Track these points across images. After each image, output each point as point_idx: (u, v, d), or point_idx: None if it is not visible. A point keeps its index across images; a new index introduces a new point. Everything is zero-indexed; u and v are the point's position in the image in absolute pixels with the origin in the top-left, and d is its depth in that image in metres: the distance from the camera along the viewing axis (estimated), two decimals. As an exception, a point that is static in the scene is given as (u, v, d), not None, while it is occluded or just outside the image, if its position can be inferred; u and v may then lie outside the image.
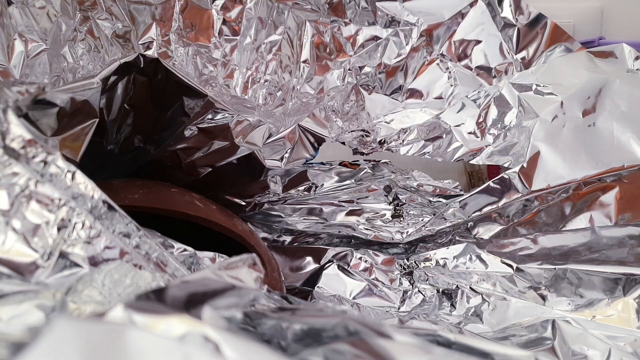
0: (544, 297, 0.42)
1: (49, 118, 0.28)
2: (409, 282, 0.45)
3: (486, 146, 0.45)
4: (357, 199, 0.48)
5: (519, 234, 0.45)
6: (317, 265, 0.46)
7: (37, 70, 0.43)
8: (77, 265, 0.24)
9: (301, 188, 0.48)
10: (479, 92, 0.46)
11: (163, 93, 0.38)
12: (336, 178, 0.49)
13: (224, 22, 0.46)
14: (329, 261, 0.46)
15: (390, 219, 0.47)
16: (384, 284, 0.45)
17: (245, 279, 0.23)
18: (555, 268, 0.41)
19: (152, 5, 0.45)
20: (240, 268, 0.24)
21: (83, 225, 0.24)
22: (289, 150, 0.44)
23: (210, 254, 0.33)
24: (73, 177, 0.25)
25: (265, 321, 0.20)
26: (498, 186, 0.43)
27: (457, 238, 0.46)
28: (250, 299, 0.22)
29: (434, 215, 0.46)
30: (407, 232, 0.46)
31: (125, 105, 0.37)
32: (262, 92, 0.47)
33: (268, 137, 0.43)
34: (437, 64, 0.47)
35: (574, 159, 0.42)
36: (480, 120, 0.45)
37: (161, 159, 0.42)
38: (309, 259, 0.47)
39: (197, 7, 0.46)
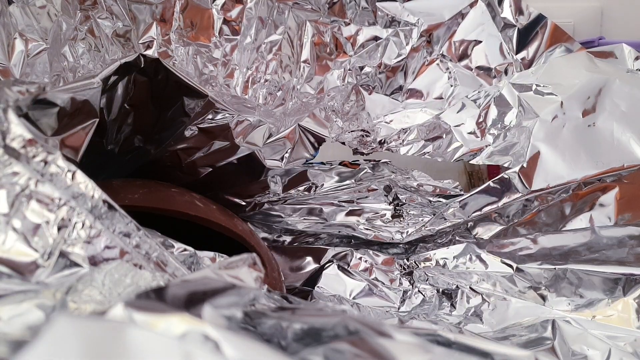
0: (544, 297, 0.42)
1: (49, 118, 0.28)
2: (409, 282, 0.45)
3: (486, 146, 0.45)
4: (357, 199, 0.48)
5: (519, 234, 0.45)
6: (317, 265, 0.46)
7: (37, 69, 0.43)
8: (77, 264, 0.24)
9: (301, 188, 0.48)
10: (479, 92, 0.46)
11: (163, 93, 0.38)
12: (336, 178, 0.49)
13: (225, 21, 0.46)
14: (329, 261, 0.46)
15: (390, 219, 0.47)
16: (384, 284, 0.45)
17: (246, 278, 0.23)
18: (555, 268, 0.41)
19: (152, 4, 0.45)
20: (240, 268, 0.24)
21: (83, 225, 0.24)
22: (289, 150, 0.44)
23: (210, 253, 0.33)
24: (73, 177, 0.25)
25: (265, 320, 0.20)
26: (498, 186, 0.43)
27: (457, 238, 0.46)
28: (250, 298, 0.22)
29: (434, 215, 0.46)
30: (407, 232, 0.46)
31: (126, 105, 0.37)
32: (262, 91, 0.47)
33: (268, 137, 0.43)
34: (437, 64, 0.47)
35: (574, 159, 0.42)
36: (480, 120, 0.45)
37: (161, 159, 0.42)
38: (309, 259, 0.47)
39: (197, 6, 0.46)
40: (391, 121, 0.47)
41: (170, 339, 0.15)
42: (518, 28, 0.45)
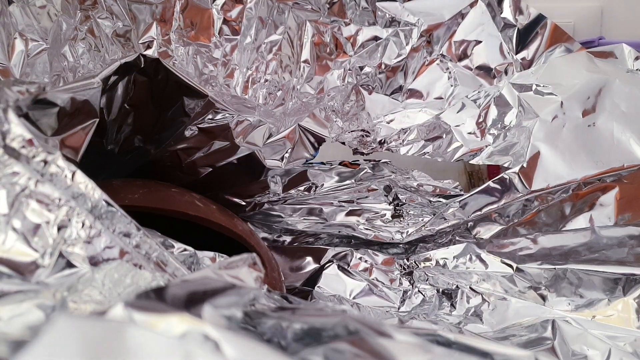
0: (544, 297, 0.42)
1: (49, 118, 0.28)
2: (409, 282, 0.45)
3: (486, 146, 0.45)
4: (357, 199, 0.48)
5: (519, 234, 0.45)
6: (317, 265, 0.46)
7: (37, 69, 0.43)
8: (77, 264, 0.24)
9: (301, 188, 0.48)
10: (479, 92, 0.46)
11: (163, 93, 0.38)
12: (336, 178, 0.49)
13: (225, 21, 0.46)
14: (329, 261, 0.46)
15: (390, 219, 0.47)
16: (384, 284, 0.45)
17: (246, 278, 0.23)
18: (555, 268, 0.41)
19: (152, 4, 0.45)
20: (240, 267, 0.24)
21: (83, 225, 0.24)
22: (289, 150, 0.44)
23: (210, 253, 0.33)
24: (73, 177, 0.25)
25: (265, 320, 0.20)
26: (498, 186, 0.43)
27: (457, 238, 0.46)
28: (250, 298, 0.22)
29: (434, 215, 0.46)
30: (407, 232, 0.46)
31: (126, 105, 0.37)
32: (262, 91, 0.47)
33: (268, 137, 0.43)
34: (437, 64, 0.47)
35: (574, 159, 0.42)
36: (480, 120, 0.45)
37: (161, 159, 0.42)
38: (309, 259, 0.47)
39: (197, 6, 0.46)
40: (391, 121, 0.47)
41: (170, 339, 0.15)
42: (518, 28, 0.45)
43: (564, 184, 0.42)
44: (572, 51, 0.45)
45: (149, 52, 0.45)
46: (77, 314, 0.21)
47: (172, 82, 0.38)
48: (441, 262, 0.45)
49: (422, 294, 0.44)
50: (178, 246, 0.32)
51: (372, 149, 0.47)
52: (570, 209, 0.43)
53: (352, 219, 0.47)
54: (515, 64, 0.46)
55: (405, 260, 0.47)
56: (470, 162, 0.45)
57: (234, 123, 0.41)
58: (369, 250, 0.47)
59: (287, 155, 0.44)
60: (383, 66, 0.47)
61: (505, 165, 0.43)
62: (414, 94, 0.48)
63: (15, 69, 0.42)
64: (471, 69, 0.46)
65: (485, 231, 0.46)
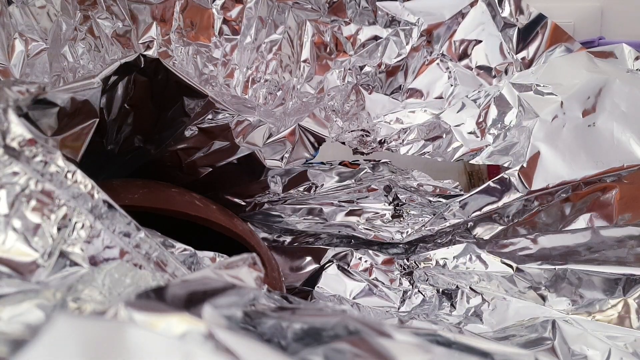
0: (544, 297, 0.42)
1: (49, 118, 0.28)
2: (409, 282, 0.45)
3: (486, 146, 0.45)
4: (357, 199, 0.48)
5: (519, 234, 0.45)
6: (317, 265, 0.46)
7: (37, 69, 0.43)
8: (77, 264, 0.24)
9: (301, 188, 0.48)
10: (479, 92, 0.46)
11: (163, 93, 0.38)
12: (336, 178, 0.49)
13: (225, 21, 0.46)
14: (329, 261, 0.46)
15: (390, 219, 0.47)
16: (384, 284, 0.45)
17: (246, 278, 0.23)
18: (555, 268, 0.41)
19: (152, 4, 0.45)
20: (241, 267, 0.24)
21: (83, 225, 0.24)
22: (289, 150, 0.44)
23: (210, 253, 0.33)
24: (73, 177, 0.25)
25: (265, 320, 0.20)
26: (498, 186, 0.43)
27: (457, 238, 0.46)
28: (250, 298, 0.22)
29: (434, 215, 0.46)
30: (407, 232, 0.46)
31: (126, 105, 0.37)
32: (263, 91, 0.47)
33: (268, 137, 0.43)
34: (438, 63, 0.47)
35: (574, 159, 0.42)
36: (480, 120, 0.45)
37: (161, 159, 0.42)
38: (309, 259, 0.47)
39: (197, 6, 0.46)
40: (391, 121, 0.47)
41: (170, 338, 0.15)
42: (518, 28, 0.45)
43: (564, 184, 0.42)
44: (572, 51, 0.45)
45: (149, 52, 0.45)
46: (77, 314, 0.21)
47: (172, 82, 0.38)
48: (441, 262, 0.45)
49: (422, 294, 0.44)
50: (178, 246, 0.32)
51: (372, 148, 0.47)
52: (570, 209, 0.43)
53: (352, 219, 0.47)
54: (515, 63, 0.46)
55: (405, 260, 0.47)
56: (470, 162, 0.45)
57: (234, 123, 0.41)
58: (369, 250, 0.47)
59: (287, 155, 0.44)
60: (383, 66, 0.47)
61: (505, 165, 0.43)
62: (414, 93, 0.48)
63: (15, 69, 0.42)
64: (471, 69, 0.46)
65: (485, 231, 0.46)
